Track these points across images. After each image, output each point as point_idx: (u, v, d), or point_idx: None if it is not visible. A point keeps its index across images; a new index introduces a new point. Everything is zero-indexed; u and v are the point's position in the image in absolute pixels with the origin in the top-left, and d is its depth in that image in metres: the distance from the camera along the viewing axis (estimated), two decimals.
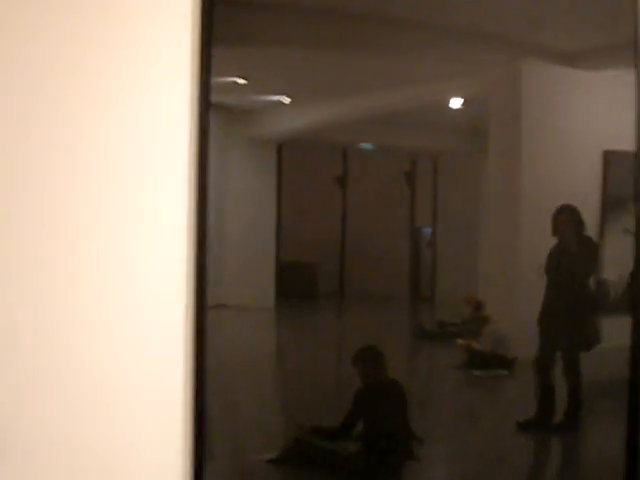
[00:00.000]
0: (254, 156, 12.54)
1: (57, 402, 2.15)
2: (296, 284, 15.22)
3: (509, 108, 7.66)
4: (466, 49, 7.91)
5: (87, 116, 2.21)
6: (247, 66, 7.60)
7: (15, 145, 2.10)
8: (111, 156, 2.22)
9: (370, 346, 4.20)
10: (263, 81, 9.97)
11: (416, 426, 4.05)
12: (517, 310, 6.19)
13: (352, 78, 9.98)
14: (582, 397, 4.74)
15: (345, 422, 4.01)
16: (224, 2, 2.35)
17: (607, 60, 7.45)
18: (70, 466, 2.20)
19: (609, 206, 7.41)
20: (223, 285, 7.92)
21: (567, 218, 4.79)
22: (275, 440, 4.32)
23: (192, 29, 2.17)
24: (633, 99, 2.48)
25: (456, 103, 9.42)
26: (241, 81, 9.17)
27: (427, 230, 15.61)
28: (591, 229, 5.54)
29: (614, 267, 6.95)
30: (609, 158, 7.55)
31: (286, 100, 12.12)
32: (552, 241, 4.82)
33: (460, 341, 8.19)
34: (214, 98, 2.20)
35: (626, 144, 2.57)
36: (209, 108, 2.44)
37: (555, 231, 4.80)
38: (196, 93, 2.19)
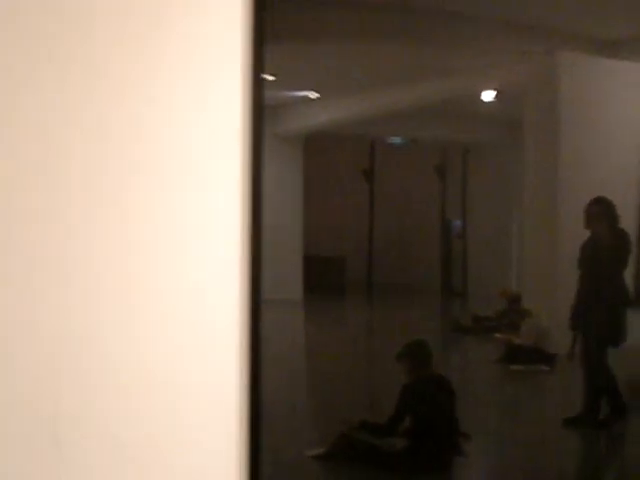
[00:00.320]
0: (281, 151, 12.53)
1: (114, 398, 2.14)
2: (324, 278, 15.24)
3: (545, 100, 7.55)
4: (500, 40, 7.82)
5: (142, 114, 2.19)
6: (275, 62, 7.56)
7: (75, 144, 2.09)
8: (164, 153, 2.19)
9: (417, 341, 4.14)
10: (291, 77, 9.93)
11: (460, 422, 4.01)
12: (557, 303, 6.12)
13: (382, 71, 9.91)
14: (621, 393, 4.69)
15: (392, 418, 3.96)
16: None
17: None
18: (129, 461, 2.19)
19: None
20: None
21: (599, 210, 4.68)
22: (322, 435, 4.29)
23: (241, 27, 2.15)
24: None
25: (489, 95, 9.33)
26: (270, 77, 9.15)
27: (458, 223, 15.54)
28: (628, 222, 5.46)
29: None
30: None
31: (314, 95, 12.07)
32: (587, 234, 4.74)
33: (498, 335, 8.12)
34: None
35: None
36: (262, 105, 2.42)
37: (587, 224, 4.69)
38: (248, 90, 2.17)
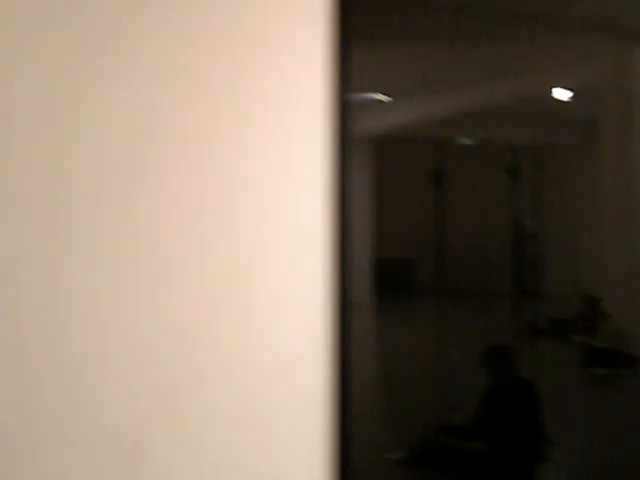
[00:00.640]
0: (351, 153, 12.45)
1: (199, 402, 2.16)
2: (394, 280, 15.20)
3: (621, 99, 7.42)
4: (575, 38, 7.70)
5: (223, 113, 2.21)
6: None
7: (164, 145, 2.11)
8: (251, 155, 2.21)
9: (500, 345, 4.11)
10: (362, 80, 9.93)
11: (543, 426, 3.95)
12: (637, 305, 6.01)
13: (454, 72, 9.84)
14: None
15: (473, 421, 3.93)
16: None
17: None
18: (212, 467, 2.20)
19: None
20: None
21: None
22: (401, 439, 4.28)
23: (325, 28, 2.15)
24: None
25: (563, 95, 9.20)
26: None
27: (531, 224, 15.36)
28: None
29: None
30: None
31: (384, 98, 12.05)
32: None
33: (577, 337, 7.98)
34: None
35: None
36: (348, 109, 2.42)
37: None
38: (334, 93, 2.18)
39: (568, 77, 8.75)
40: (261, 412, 2.17)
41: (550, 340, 8.38)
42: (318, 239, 2.22)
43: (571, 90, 9.15)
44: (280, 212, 2.22)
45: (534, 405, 3.92)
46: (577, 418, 5.26)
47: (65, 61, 2.04)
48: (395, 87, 10.49)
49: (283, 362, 2.21)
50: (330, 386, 2.18)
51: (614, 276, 7.44)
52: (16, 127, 2.15)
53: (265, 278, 2.20)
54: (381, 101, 11.48)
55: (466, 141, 13.93)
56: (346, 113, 2.31)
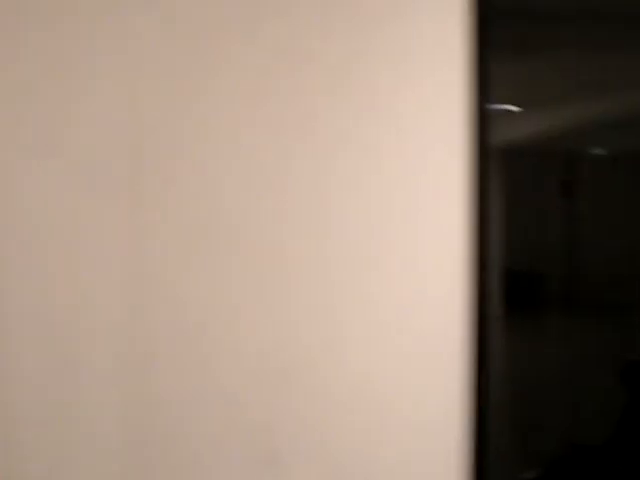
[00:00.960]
0: (488, 165, 12.41)
1: (331, 412, 2.14)
2: (523, 293, 14.93)
3: None
4: None
5: (365, 121, 2.20)
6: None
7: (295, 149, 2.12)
8: (391, 160, 2.19)
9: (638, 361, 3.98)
10: (492, 90, 9.80)
11: None
12: None
13: (586, 82, 9.59)
14: None
15: (610, 441, 3.81)
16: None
17: None
18: (345, 477, 2.19)
19: None
20: None
21: None
22: (534, 457, 4.18)
23: (463, 39, 2.12)
24: None
25: None
26: None
27: None
28: None
29: None
30: None
31: (514, 108, 11.87)
32: None
33: None
34: None
35: None
36: (487, 119, 2.38)
37: None
38: (473, 104, 2.15)
39: None
40: (393, 425, 2.15)
41: None
42: (456, 248, 2.19)
43: None
44: (419, 220, 2.20)
45: None
46: None
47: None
48: (526, 97, 10.32)
49: (421, 373, 2.19)
50: (467, 402, 2.14)
51: None
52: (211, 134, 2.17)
53: (403, 290, 2.18)
54: (512, 111, 11.32)
55: (600, 152, 13.58)
56: (485, 124, 2.27)
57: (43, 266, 2.70)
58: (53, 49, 2.44)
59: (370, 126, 2.14)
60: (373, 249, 2.19)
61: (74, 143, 2.65)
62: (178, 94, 2.29)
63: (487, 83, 2.22)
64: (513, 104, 11.61)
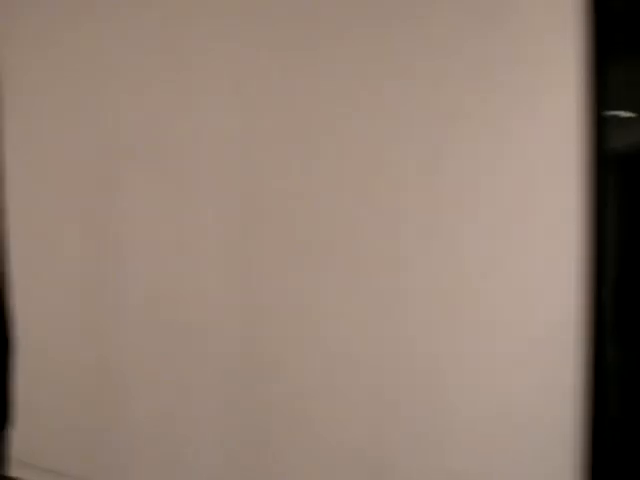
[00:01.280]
0: (606, 171, 12.08)
1: (441, 426, 2.10)
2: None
3: None
4: None
5: (482, 131, 2.15)
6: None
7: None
8: (504, 167, 2.14)
9: None
10: (610, 96, 9.51)
11: None
12: None
13: None
14: None
15: None
16: None
17: None
18: None
19: None
20: None
21: None
22: None
23: (579, 45, 2.06)
24: None
25: None
26: None
27: None
28: None
29: None
30: None
31: (628, 114, 11.51)
32: None
33: None
34: None
35: None
36: (604, 126, 2.31)
37: None
38: (589, 109, 2.09)
39: None
40: (509, 441, 2.09)
41: None
42: (571, 258, 2.12)
43: None
44: (535, 228, 2.14)
45: None
46: None
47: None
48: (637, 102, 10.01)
49: (536, 387, 2.12)
50: (581, 410, 2.06)
51: None
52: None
53: (519, 300, 2.12)
54: (623, 118, 10.99)
55: None
56: (601, 131, 2.19)
57: (155, 266, 2.76)
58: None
59: (484, 135, 2.10)
60: (487, 258, 2.14)
61: (186, 153, 2.70)
62: (290, 103, 2.30)
63: (604, 88, 2.15)
64: (632, 110, 11.18)
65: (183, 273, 2.71)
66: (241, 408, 2.51)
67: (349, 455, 2.22)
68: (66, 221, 3.25)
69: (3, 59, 3.25)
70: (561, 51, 2.09)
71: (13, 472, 3.14)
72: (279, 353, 2.43)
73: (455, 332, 2.15)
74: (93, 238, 3.09)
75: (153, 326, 2.92)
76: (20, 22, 3.33)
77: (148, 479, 2.88)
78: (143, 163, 2.85)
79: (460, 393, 2.13)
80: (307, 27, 2.20)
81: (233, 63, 2.41)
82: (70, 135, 3.32)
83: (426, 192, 2.19)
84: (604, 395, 2.13)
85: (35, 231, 3.43)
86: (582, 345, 2.10)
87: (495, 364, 2.08)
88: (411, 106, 2.12)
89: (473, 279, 2.15)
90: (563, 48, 2.10)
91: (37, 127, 3.41)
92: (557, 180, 2.14)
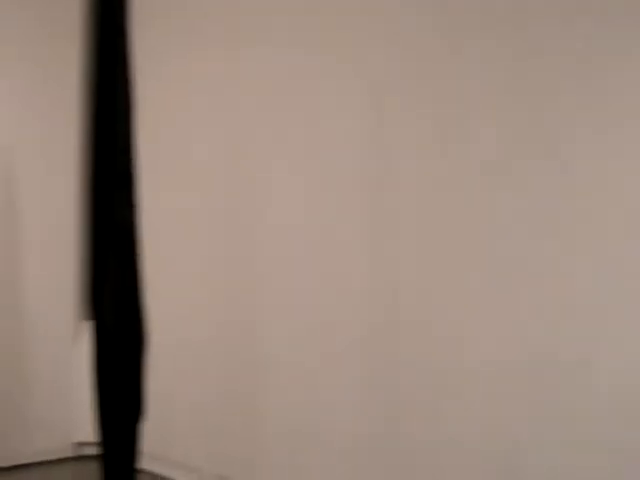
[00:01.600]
0: None
1: (571, 427, 2.04)
2: None
3: None
4: None
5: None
6: None
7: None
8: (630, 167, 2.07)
9: None
10: None
11: None
12: None
13: None
14: None
15: None
16: None
17: None
18: None
19: None
20: None
21: None
22: None
23: None
24: None
25: None
26: None
27: None
28: None
29: None
30: None
31: None
32: None
33: None
34: None
35: None
36: None
37: None
38: None
39: None
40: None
41: None
42: None
43: None
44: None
45: None
46: None
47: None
48: None
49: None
50: None
51: None
52: None
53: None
54: None
55: None
56: None
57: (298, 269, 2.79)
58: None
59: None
60: (607, 256, 2.07)
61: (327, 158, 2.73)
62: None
63: None
64: None
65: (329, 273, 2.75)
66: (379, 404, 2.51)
67: (478, 462, 2.18)
68: (209, 222, 3.31)
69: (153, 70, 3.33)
70: None
71: (145, 465, 3.21)
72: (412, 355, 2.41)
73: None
74: (237, 238, 3.14)
75: (294, 325, 2.95)
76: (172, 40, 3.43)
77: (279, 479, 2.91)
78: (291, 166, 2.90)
79: (599, 394, 2.07)
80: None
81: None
82: (206, 137, 3.38)
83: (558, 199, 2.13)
84: None
85: (174, 231, 3.50)
86: None
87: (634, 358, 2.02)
88: None
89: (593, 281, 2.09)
90: None
91: (177, 129, 3.49)
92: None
